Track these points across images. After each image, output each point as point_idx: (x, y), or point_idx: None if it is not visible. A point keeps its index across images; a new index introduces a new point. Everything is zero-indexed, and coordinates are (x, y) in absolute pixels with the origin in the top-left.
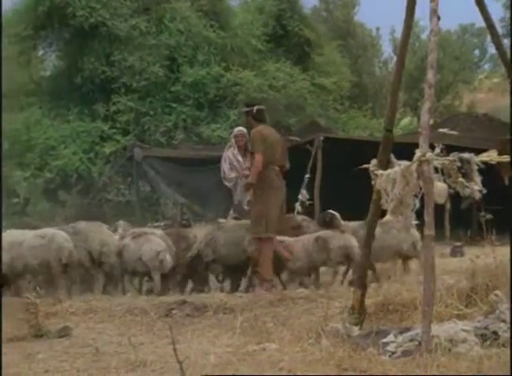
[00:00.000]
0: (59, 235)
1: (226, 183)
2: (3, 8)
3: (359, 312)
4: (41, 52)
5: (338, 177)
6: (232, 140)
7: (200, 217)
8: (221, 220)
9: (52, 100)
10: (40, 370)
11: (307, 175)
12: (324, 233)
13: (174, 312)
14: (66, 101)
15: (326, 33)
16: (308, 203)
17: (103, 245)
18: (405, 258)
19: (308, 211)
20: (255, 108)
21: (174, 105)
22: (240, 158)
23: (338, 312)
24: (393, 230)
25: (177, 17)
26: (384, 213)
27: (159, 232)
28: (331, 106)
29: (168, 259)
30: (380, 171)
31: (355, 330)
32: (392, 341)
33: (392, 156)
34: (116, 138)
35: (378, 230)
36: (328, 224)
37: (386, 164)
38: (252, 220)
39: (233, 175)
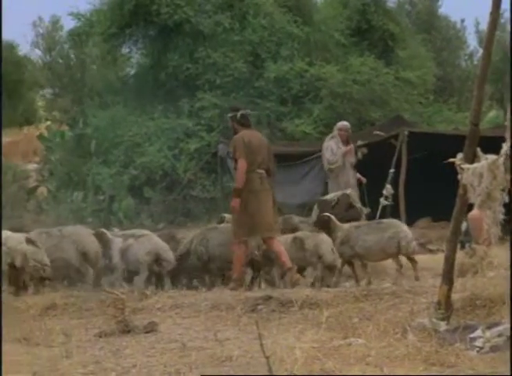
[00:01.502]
0: (12, 238)
1: (332, 167)
2: (90, 8)
3: (446, 308)
4: (126, 50)
5: (423, 171)
6: (336, 132)
7: (283, 212)
8: (225, 215)
9: (137, 98)
10: (127, 365)
11: (392, 170)
12: (301, 233)
13: (259, 307)
14: (150, 98)
15: (409, 26)
16: (391, 199)
17: (89, 248)
18: (395, 258)
19: (393, 206)
20: (239, 113)
21: (257, 101)
22: (342, 147)
23: (424, 307)
24: (380, 230)
25: (260, 13)
26: (470, 208)
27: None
28: (416, 100)
29: (169, 259)
30: (467, 166)
31: (442, 326)
32: (480, 337)
33: (479, 150)
34: (200, 134)
35: (366, 230)
36: (324, 226)
37: (472, 158)
38: (234, 223)
39: (337, 158)
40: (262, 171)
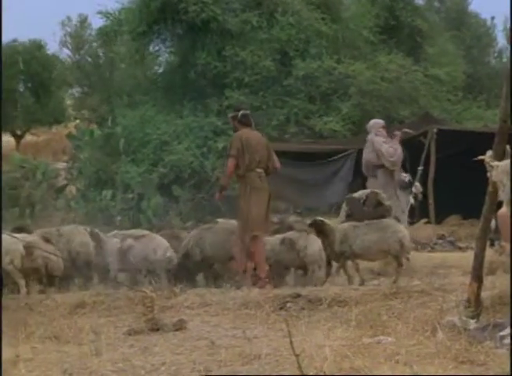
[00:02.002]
0: (7, 239)
1: (393, 159)
2: (119, 6)
3: (475, 305)
4: (154, 49)
5: (452, 169)
6: (381, 130)
7: (312, 211)
8: (220, 220)
9: (166, 96)
10: (156, 363)
11: (420, 168)
12: (291, 234)
13: (288, 305)
14: (179, 97)
15: (438, 23)
16: (421, 196)
17: (85, 247)
18: (394, 256)
19: (422, 203)
20: (240, 113)
21: (286, 99)
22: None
23: (454, 305)
24: (378, 230)
25: (288, 11)
26: (499, 205)
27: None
28: (444, 97)
29: (173, 257)
30: (496, 163)
31: (472, 324)
32: (510, 334)
33: (508, 147)
34: (229, 132)
35: (364, 230)
36: (319, 230)
37: (502, 156)
38: (239, 222)
39: (396, 150)
40: (261, 170)
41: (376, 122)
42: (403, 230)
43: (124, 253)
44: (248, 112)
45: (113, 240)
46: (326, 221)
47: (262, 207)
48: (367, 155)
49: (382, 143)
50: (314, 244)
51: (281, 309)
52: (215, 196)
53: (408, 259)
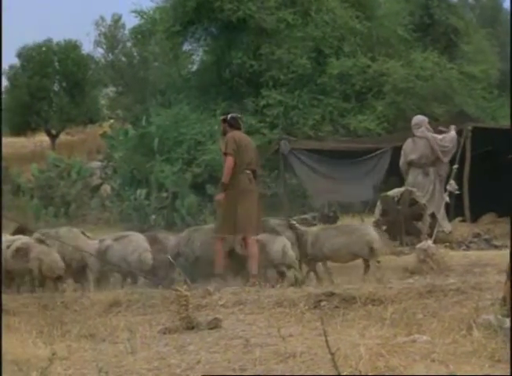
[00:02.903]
0: None
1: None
2: (153, 5)
3: (511, 304)
4: (188, 48)
5: (487, 167)
6: (428, 126)
7: (346, 209)
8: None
9: (200, 95)
10: (191, 362)
11: (455, 166)
12: (263, 236)
13: (322, 303)
14: (214, 96)
15: (473, 20)
16: (456, 193)
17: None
18: (363, 259)
19: (457, 201)
20: (229, 115)
21: (320, 97)
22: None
23: (489, 303)
24: (347, 233)
25: (323, 9)
26: None
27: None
28: (479, 94)
29: (149, 259)
30: None
31: (507, 322)
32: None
33: None
34: (263, 131)
35: (334, 232)
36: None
37: None
38: (221, 220)
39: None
40: (249, 172)
41: (423, 118)
42: (372, 233)
43: (102, 253)
44: (237, 115)
45: (91, 242)
46: (297, 225)
47: (252, 209)
48: (423, 150)
49: (434, 137)
50: (278, 245)
51: (315, 307)
52: (217, 196)
53: (378, 262)
